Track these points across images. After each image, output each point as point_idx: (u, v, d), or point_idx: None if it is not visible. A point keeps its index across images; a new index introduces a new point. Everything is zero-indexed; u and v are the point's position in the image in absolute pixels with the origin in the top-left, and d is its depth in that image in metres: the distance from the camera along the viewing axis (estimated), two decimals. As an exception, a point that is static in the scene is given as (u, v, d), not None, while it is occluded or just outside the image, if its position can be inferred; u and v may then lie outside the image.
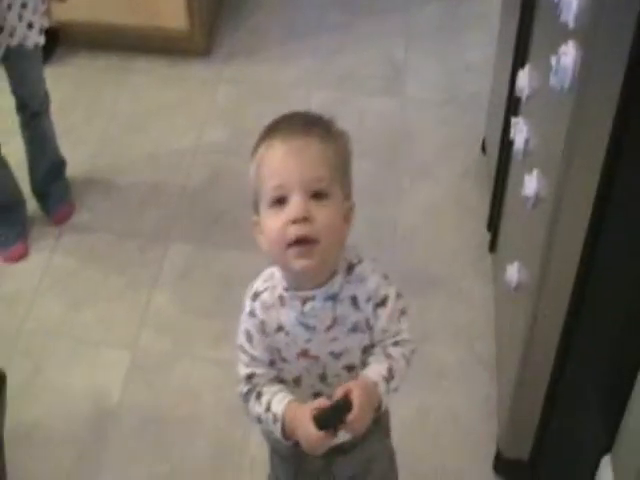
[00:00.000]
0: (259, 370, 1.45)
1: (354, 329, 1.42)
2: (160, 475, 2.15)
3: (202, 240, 2.73)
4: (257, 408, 1.44)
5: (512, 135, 2.00)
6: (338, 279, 1.40)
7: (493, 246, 2.60)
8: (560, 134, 1.56)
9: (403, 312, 1.46)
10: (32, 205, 2.83)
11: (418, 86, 3.30)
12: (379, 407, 1.41)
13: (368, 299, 1.41)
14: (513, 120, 2.04)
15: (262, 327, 1.43)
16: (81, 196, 2.88)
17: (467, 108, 3.17)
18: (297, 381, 1.48)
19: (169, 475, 2.15)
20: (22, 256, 2.70)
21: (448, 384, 2.33)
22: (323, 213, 1.30)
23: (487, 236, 2.64)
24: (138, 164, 2.99)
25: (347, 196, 1.38)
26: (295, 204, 1.29)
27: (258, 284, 1.46)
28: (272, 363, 1.46)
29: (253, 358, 1.45)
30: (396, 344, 1.45)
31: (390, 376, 1.41)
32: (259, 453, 2.07)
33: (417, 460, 2.16)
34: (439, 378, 2.34)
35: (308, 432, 1.34)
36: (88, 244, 2.74)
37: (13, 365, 2.37)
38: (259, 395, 1.45)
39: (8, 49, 2.42)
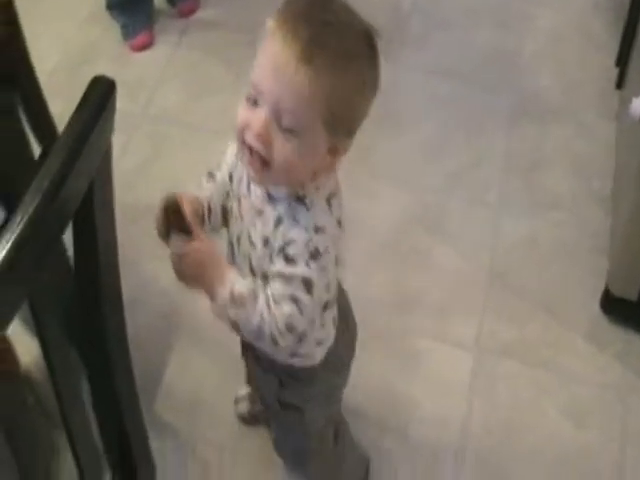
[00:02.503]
0: (221, 170, 1.30)
1: (265, 243, 1.18)
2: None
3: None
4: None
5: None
6: (283, 191, 1.15)
7: (620, 82, 2.41)
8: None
9: (294, 299, 1.14)
10: (160, -1, 2.71)
11: None
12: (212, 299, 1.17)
13: (282, 238, 1.15)
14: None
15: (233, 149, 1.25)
16: (206, -10, 2.73)
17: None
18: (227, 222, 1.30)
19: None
20: (147, 45, 2.60)
21: (560, 215, 2.20)
22: (282, 147, 1.07)
23: (615, 72, 2.44)
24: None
25: (344, 134, 1.12)
26: (257, 119, 1.07)
27: None
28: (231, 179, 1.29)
29: (224, 158, 1.30)
30: (268, 303, 1.15)
31: (237, 303, 1.15)
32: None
33: (521, 289, 2.06)
34: (551, 208, 2.22)
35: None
36: (211, 39, 2.62)
37: (133, 146, 2.31)
38: (210, 176, 1.32)
39: None
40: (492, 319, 2.00)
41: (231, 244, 1.29)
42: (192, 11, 2.69)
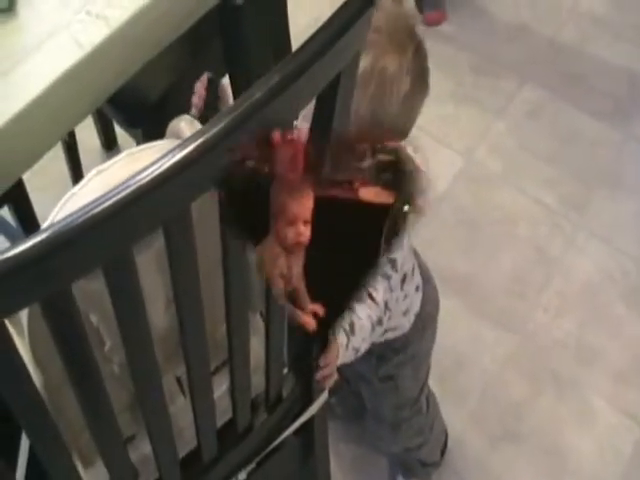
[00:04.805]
0: None
1: None
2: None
3: (558, 92, 2.46)
4: None
5: None
6: None
7: None
8: None
9: (386, 277, 1.15)
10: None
11: None
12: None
13: None
14: None
15: None
16: (454, 9, 2.66)
17: None
18: None
19: (470, 283, 2.02)
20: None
21: None
22: None
23: None
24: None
25: None
26: None
27: None
28: None
29: None
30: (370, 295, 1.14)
31: (351, 330, 1.13)
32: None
33: None
34: None
35: None
36: (445, 54, 2.54)
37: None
38: None
39: None
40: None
41: None
42: (437, 22, 2.63)
